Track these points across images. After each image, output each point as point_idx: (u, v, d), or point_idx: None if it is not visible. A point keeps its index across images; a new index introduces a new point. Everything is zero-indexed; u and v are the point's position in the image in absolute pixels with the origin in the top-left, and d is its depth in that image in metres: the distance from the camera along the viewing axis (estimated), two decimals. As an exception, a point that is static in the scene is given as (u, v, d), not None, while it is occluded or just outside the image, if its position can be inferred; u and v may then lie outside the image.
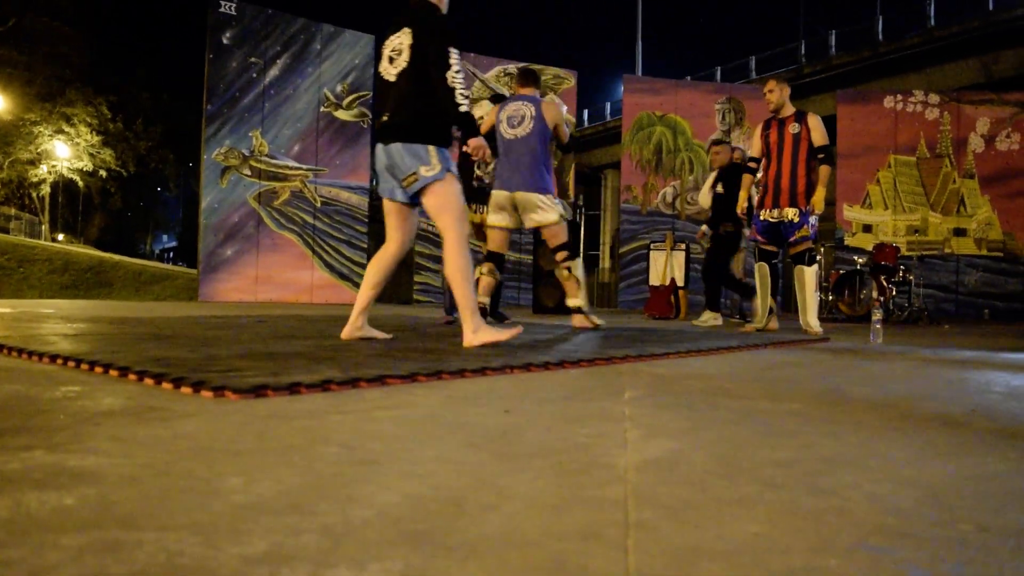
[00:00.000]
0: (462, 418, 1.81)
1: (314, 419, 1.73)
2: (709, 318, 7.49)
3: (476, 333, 3.71)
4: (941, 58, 21.65)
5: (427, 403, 2.02)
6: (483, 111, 6.10)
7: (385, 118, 3.94)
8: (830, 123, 15.29)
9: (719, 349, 4.11)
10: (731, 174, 7.57)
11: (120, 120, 38.16)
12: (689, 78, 27.59)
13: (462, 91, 3.73)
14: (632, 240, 14.09)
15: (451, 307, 6.37)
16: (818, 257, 6.29)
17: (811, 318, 6.15)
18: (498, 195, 5.66)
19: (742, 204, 6.55)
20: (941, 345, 5.40)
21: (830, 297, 10.26)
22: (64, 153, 37.15)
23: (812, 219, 6.15)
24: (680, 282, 9.98)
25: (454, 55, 3.75)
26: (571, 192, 14.88)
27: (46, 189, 40.15)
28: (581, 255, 7.58)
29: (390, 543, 0.91)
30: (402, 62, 3.89)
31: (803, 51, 27.34)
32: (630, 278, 14.06)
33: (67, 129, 36.06)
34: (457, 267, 3.78)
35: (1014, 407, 2.29)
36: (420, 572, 0.82)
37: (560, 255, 5.59)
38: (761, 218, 6.33)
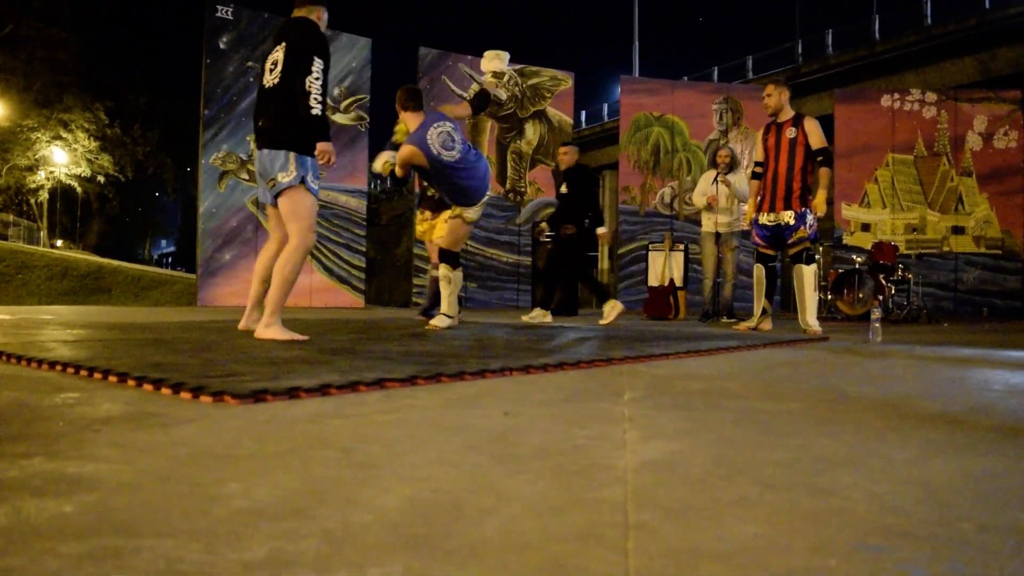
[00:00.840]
0: (461, 421, 1.81)
1: (313, 423, 1.73)
2: (539, 314, 7.49)
3: (267, 328, 4.11)
4: (938, 56, 21.66)
5: (426, 406, 2.02)
6: (465, 112, 5.93)
7: (260, 124, 4.25)
8: (827, 122, 15.27)
9: (718, 349, 4.11)
10: (576, 176, 7.66)
11: (118, 125, 38.19)
12: (686, 78, 27.62)
13: (316, 96, 4.00)
14: (630, 241, 14.09)
15: (429, 307, 6.66)
16: (817, 257, 6.30)
17: (810, 318, 6.15)
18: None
19: (750, 214, 6.57)
20: (940, 343, 5.40)
21: (829, 296, 10.26)
22: (62, 159, 37.16)
23: (810, 219, 6.17)
24: (679, 282, 9.98)
25: (317, 63, 4.04)
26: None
27: (44, 195, 40.16)
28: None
29: (390, 547, 0.91)
30: (277, 73, 4.15)
31: (800, 50, 27.35)
32: (629, 279, 14.05)
33: (65, 135, 36.07)
34: (285, 270, 4.10)
35: (1013, 405, 2.29)
36: (420, 575, 0.82)
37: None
38: (759, 222, 6.37)
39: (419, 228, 7.34)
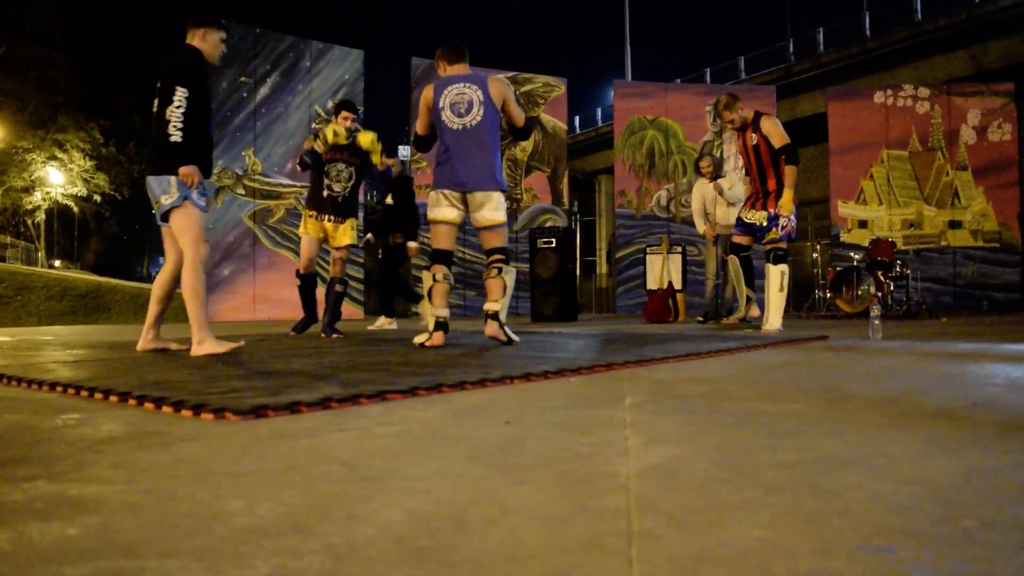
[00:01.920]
0: (463, 431, 1.81)
1: (315, 438, 1.73)
2: (384, 323, 7.75)
3: (200, 344, 4.24)
4: (930, 51, 21.71)
5: (428, 417, 2.02)
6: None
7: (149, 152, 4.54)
8: (821, 121, 15.32)
9: (718, 351, 4.11)
10: (400, 186, 7.87)
11: (112, 144, 38.23)
12: (679, 81, 27.66)
13: (176, 124, 4.20)
14: (628, 245, 14.11)
15: (331, 321, 6.47)
16: (787, 257, 6.41)
17: (773, 317, 6.21)
18: (447, 194, 4.78)
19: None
20: (940, 338, 5.40)
21: (828, 294, 10.26)
22: (58, 179, 37.18)
23: (782, 220, 6.29)
24: (677, 285, 9.99)
25: (180, 92, 4.21)
26: (565, 198, 14.89)
27: (41, 216, 40.17)
28: (578, 261, 7.62)
29: (393, 561, 0.91)
30: (155, 103, 4.36)
31: (792, 49, 27.39)
32: (627, 282, 14.07)
33: (60, 155, 36.10)
34: (190, 286, 4.30)
35: (1015, 399, 2.29)
36: (424, 590, 0.82)
37: (496, 257, 4.86)
38: (741, 215, 6.59)
39: (310, 229, 6.46)
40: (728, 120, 6.51)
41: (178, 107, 4.20)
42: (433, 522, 1.07)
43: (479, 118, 4.74)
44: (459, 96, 4.78)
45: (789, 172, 6.21)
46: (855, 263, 10.19)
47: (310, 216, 6.39)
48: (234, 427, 1.88)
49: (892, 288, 10.14)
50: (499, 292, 4.76)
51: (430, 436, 1.75)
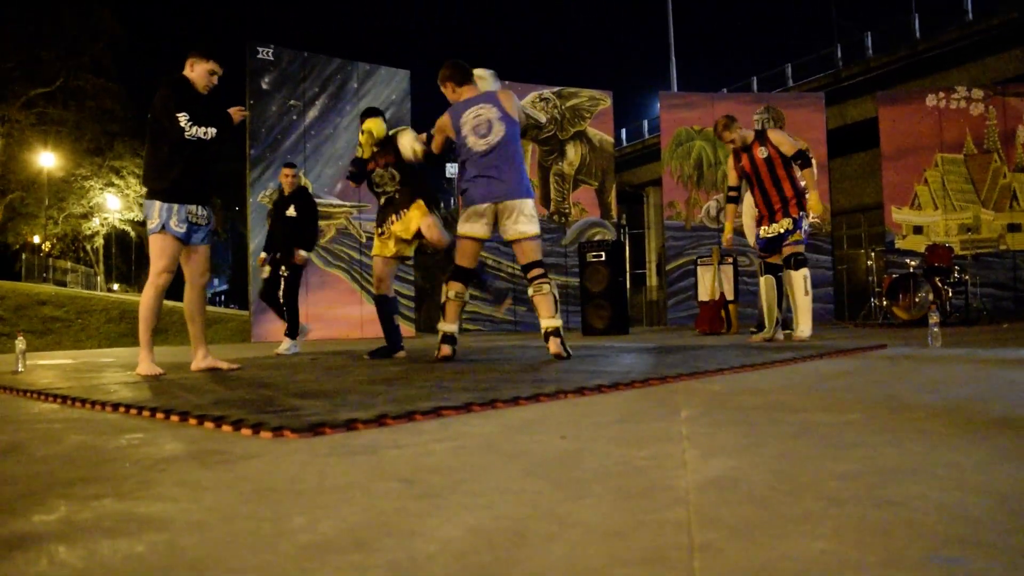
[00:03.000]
0: (519, 446, 1.81)
1: (373, 454, 1.74)
2: (287, 345, 7.48)
3: (140, 364, 4.45)
4: (982, 51, 21.27)
5: (483, 433, 2.02)
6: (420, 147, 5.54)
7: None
8: (871, 126, 15.09)
9: (773, 363, 4.06)
10: (302, 198, 7.59)
11: (167, 169, 38.96)
12: (725, 90, 27.50)
13: (203, 133, 4.41)
14: (678, 256, 14.02)
15: (392, 346, 5.90)
16: (807, 260, 6.45)
17: (803, 323, 6.23)
18: (480, 209, 4.80)
19: (727, 236, 6.94)
20: (1002, 345, 5.27)
21: (884, 302, 10.09)
22: (115, 205, 38.07)
23: (805, 225, 6.42)
24: (729, 296, 9.90)
25: (183, 118, 4.37)
26: (613, 211, 14.85)
27: (99, 241, 41.14)
28: (628, 274, 7.47)
29: (456, 577, 0.91)
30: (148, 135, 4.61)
31: (839, 54, 27.03)
32: (678, 295, 13.97)
33: (116, 181, 36.98)
34: (142, 308, 4.54)
35: (1083, 405, 2.22)
36: (487, 605, 0.83)
37: (535, 271, 4.78)
38: (761, 236, 6.59)
39: (385, 247, 5.94)
40: (728, 140, 6.56)
41: (190, 126, 4.37)
42: (493, 537, 1.07)
43: (501, 134, 4.82)
44: (478, 119, 4.86)
45: (809, 174, 6.30)
46: (911, 270, 10.01)
47: (378, 234, 6.01)
48: (293, 445, 1.90)
49: (950, 294, 9.94)
50: (551, 307, 4.71)
51: (486, 451, 1.75)
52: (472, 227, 4.83)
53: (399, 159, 5.80)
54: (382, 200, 5.92)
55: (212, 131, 4.44)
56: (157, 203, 4.46)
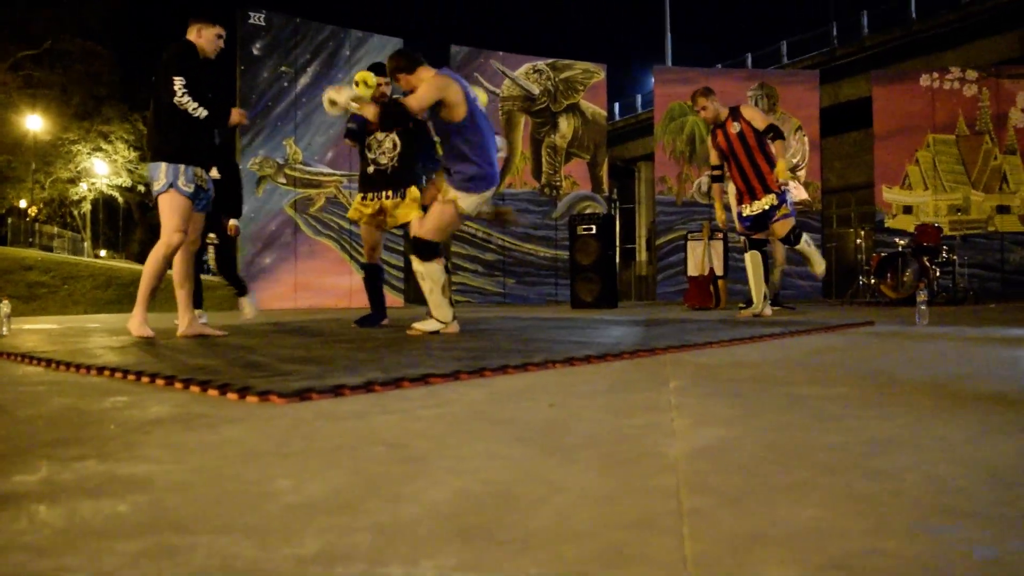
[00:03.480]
0: (507, 414, 1.80)
1: (360, 420, 1.73)
2: (248, 307, 7.00)
3: (131, 319, 4.55)
4: (976, 33, 21.22)
5: (471, 400, 2.01)
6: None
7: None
8: (864, 105, 15.06)
9: (763, 336, 4.06)
10: (225, 156, 7.20)
11: (156, 135, 38.63)
12: (720, 66, 27.36)
13: (192, 107, 4.37)
14: (668, 231, 14.00)
15: (375, 314, 5.77)
16: (804, 235, 6.55)
17: (815, 258, 6.53)
18: (485, 194, 4.63)
19: (720, 215, 6.94)
20: (989, 324, 5.29)
21: (872, 281, 10.12)
22: (103, 170, 37.74)
23: (788, 197, 6.46)
24: (719, 271, 9.90)
25: (178, 81, 4.35)
26: (605, 185, 14.82)
27: (87, 206, 40.84)
28: (618, 248, 7.40)
29: (442, 539, 0.90)
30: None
31: (835, 33, 26.93)
32: (668, 270, 13.97)
33: (104, 146, 36.62)
34: (148, 266, 4.48)
35: (1070, 383, 2.23)
36: (473, 567, 0.82)
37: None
38: (744, 214, 6.59)
39: (365, 210, 5.60)
40: (700, 108, 6.56)
41: (182, 95, 4.35)
42: (481, 501, 1.06)
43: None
44: (478, 99, 4.68)
45: (779, 145, 6.30)
46: (900, 249, 10.02)
47: (362, 199, 5.61)
48: (279, 410, 1.89)
49: (938, 274, 9.96)
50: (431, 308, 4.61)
51: (474, 418, 1.74)
52: (478, 209, 4.65)
53: (406, 130, 5.43)
54: (371, 169, 5.51)
55: (203, 112, 4.41)
56: (163, 164, 4.44)
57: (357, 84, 5.13)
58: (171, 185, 4.43)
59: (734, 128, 6.43)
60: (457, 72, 5.24)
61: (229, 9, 12.36)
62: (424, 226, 4.61)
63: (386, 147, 5.46)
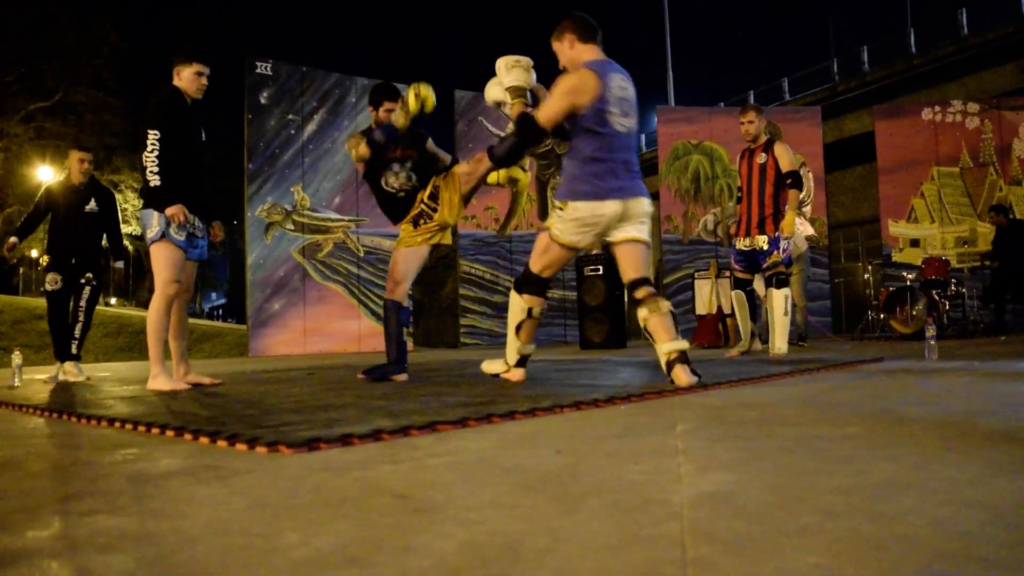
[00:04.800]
0: (514, 461, 1.80)
1: (367, 470, 1.74)
2: (70, 371, 6.27)
3: (153, 380, 4.31)
4: (977, 65, 21.35)
5: (479, 447, 2.02)
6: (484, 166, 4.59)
7: None
8: (867, 140, 15.10)
9: (771, 376, 4.06)
10: (101, 190, 6.59)
11: (165, 183, 38.98)
12: (723, 104, 27.54)
13: (151, 169, 4.26)
14: (676, 270, 14.02)
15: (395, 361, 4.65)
16: (789, 276, 6.42)
17: (779, 341, 6.19)
18: (602, 206, 3.76)
19: (726, 236, 6.70)
20: (999, 359, 5.27)
21: (881, 315, 10.09)
22: (113, 219, 38.04)
23: (783, 243, 6.31)
24: (727, 309, 9.89)
25: (151, 136, 4.25)
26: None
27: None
28: (625, 289, 7.25)
29: (448, 592, 0.91)
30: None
31: (836, 68, 27.13)
32: (676, 308, 13.93)
33: (115, 196, 36.98)
34: (151, 320, 4.36)
35: (1079, 419, 2.22)
36: (479, 621, 0.82)
37: (646, 290, 3.82)
38: (736, 247, 6.54)
39: (433, 219, 4.72)
40: (749, 120, 6.46)
41: (151, 151, 4.26)
42: (487, 553, 1.07)
43: (635, 120, 3.93)
44: (623, 91, 3.84)
45: (793, 195, 6.23)
46: (908, 283, 10.01)
47: (411, 219, 4.84)
48: (288, 460, 1.90)
49: (947, 307, 9.94)
50: (672, 328, 3.75)
51: (482, 466, 1.75)
52: (578, 236, 3.86)
53: (422, 157, 4.88)
54: (401, 195, 4.83)
55: (156, 180, 4.26)
56: (154, 212, 4.35)
57: (418, 98, 4.57)
58: (163, 234, 4.33)
59: (760, 159, 6.38)
60: (462, 116, 4.92)
61: (238, 59, 12.55)
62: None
63: (401, 178, 4.84)
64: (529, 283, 4.00)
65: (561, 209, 3.87)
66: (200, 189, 4.64)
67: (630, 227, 3.84)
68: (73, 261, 6.24)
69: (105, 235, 6.54)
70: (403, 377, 4.60)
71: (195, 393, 4.07)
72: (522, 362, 4.08)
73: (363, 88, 13.05)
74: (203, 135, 4.75)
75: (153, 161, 4.26)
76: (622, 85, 3.83)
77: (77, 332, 6.31)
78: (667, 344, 3.65)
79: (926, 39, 24.02)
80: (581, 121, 3.76)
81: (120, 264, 6.51)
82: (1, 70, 29.66)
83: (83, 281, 6.26)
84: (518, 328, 4.01)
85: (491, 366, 4.20)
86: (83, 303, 6.29)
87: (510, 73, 4.03)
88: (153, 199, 4.34)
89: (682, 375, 3.57)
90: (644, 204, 3.86)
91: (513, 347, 4.06)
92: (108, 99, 34.02)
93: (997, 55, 20.87)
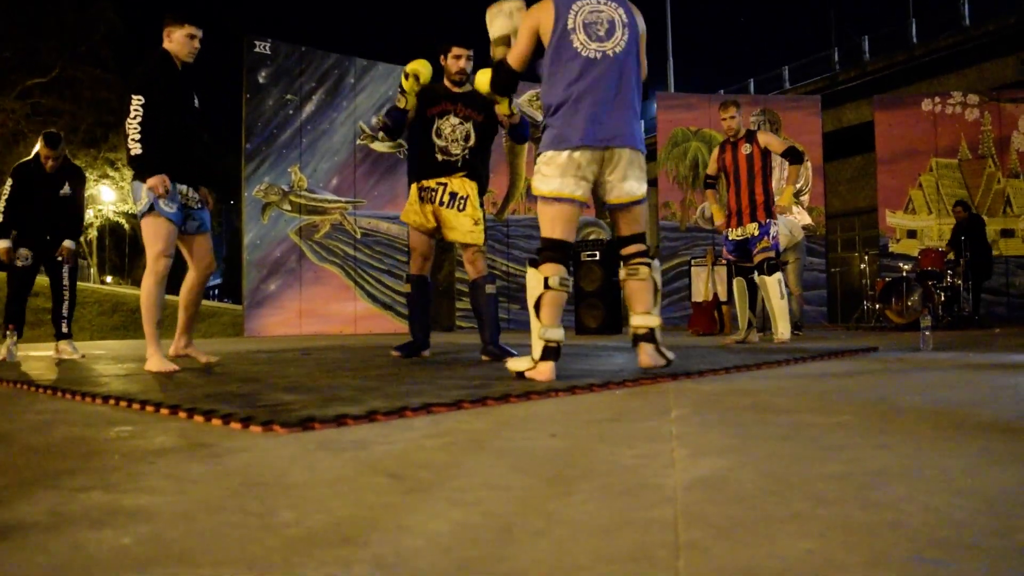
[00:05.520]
0: (508, 443, 1.81)
1: (362, 450, 1.74)
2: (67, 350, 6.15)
3: (149, 360, 4.08)
4: (978, 57, 21.30)
5: (473, 429, 2.02)
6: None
7: None
8: (867, 130, 15.08)
9: (766, 364, 4.06)
10: (76, 175, 6.52)
11: (162, 162, 38.87)
12: (722, 91, 27.50)
13: (133, 137, 4.01)
14: (672, 257, 14.02)
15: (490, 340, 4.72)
16: (780, 266, 6.47)
17: (781, 326, 6.27)
18: (579, 156, 3.34)
19: (719, 219, 6.79)
20: (993, 350, 5.29)
21: (877, 305, 10.11)
22: (110, 197, 37.94)
23: (774, 230, 6.42)
24: (723, 297, 9.91)
25: (135, 101, 4.02)
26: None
27: (93, 233, 41.00)
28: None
29: (442, 571, 0.91)
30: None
31: (837, 58, 27.09)
32: (672, 295, 13.97)
33: (112, 173, 36.84)
34: (143, 298, 4.22)
35: (1072, 411, 2.23)
36: (472, 600, 0.83)
37: (635, 247, 3.55)
38: (729, 238, 6.62)
39: (419, 218, 4.75)
40: (730, 115, 6.50)
41: (133, 117, 4.03)
42: (480, 533, 1.07)
43: (623, 45, 3.43)
44: (595, 14, 3.43)
45: (794, 170, 6.40)
46: (904, 273, 10.02)
47: (418, 197, 4.75)
48: (282, 439, 1.90)
49: (943, 299, 9.96)
50: (649, 299, 3.48)
51: (476, 448, 1.75)
52: (569, 185, 3.36)
53: (488, 119, 4.72)
54: (440, 157, 4.68)
55: (137, 149, 4.02)
56: (144, 185, 4.12)
57: (407, 77, 4.58)
58: (152, 206, 4.10)
59: (745, 149, 6.45)
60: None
61: (236, 38, 12.47)
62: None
63: (459, 135, 4.67)
64: (542, 251, 3.42)
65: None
66: (191, 159, 4.39)
67: (620, 180, 3.44)
68: (48, 238, 6.21)
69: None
70: (427, 353, 4.99)
71: (190, 373, 4.07)
72: (551, 354, 3.25)
73: (362, 69, 13.00)
74: (196, 102, 4.45)
75: (135, 128, 4.03)
76: (596, 9, 3.44)
77: (64, 311, 6.28)
78: (637, 317, 3.47)
79: (928, 30, 23.97)
80: (548, 53, 3.44)
81: (71, 244, 6.27)
82: (-2, 45, 29.50)
83: (60, 259, 6.20)
84: (537, 306, 3.34)
85: (516, 363, 3.38)
86: (65, 282, 6.26)
87: (492, 25, 3.77)
88: (136, 169, 4.14)
89: (644, 355, 3.42)
90: (628, 154, 3.43)
91: (535, 332, 3.31)
92: (105, 76, 33.83)
93: (998, 47, 20.82)
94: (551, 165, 3.37)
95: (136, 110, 4.04)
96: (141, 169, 4.10)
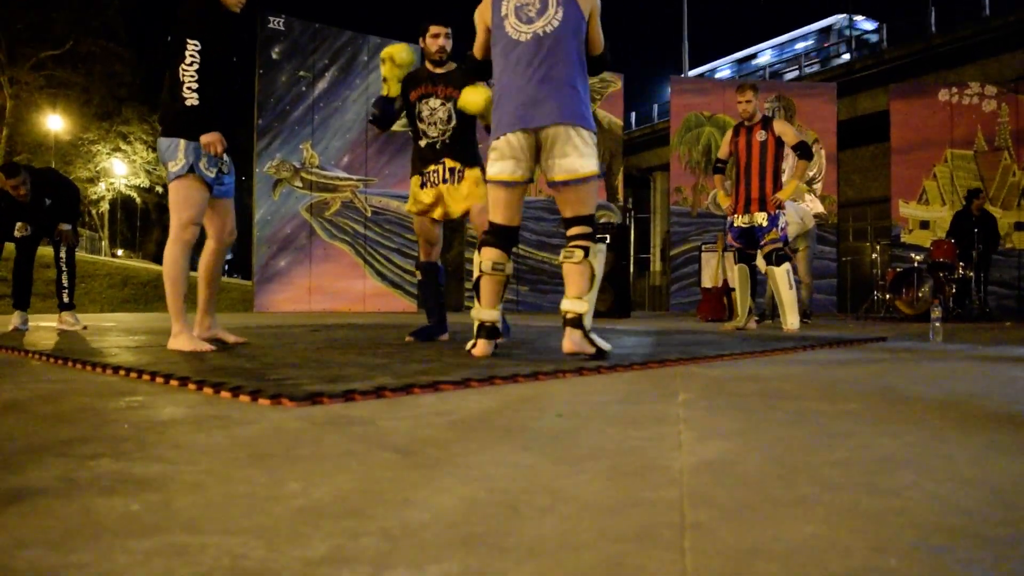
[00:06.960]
0: (516, 422, 1.81)
1: (369, 425, 1.75)
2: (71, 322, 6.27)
3: (175, 338, 3.75)
4: (997, 48, 21.09)
5: (480, 407, 2.03)
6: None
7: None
8: (882, 119, 15.00)
9: (774, 351, 4.06)
10: (54, 187, 6.36)
11: (175, 136, 38.91)
12: (737, 77, 27.33)
13: (189, 85, 3.63)
14: (683, 242, 13.99)
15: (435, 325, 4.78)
16: (789, 256, 6.43)
17: (791, 317, 6.27)
18: (509, 139, 3.39)
19: (725, 202, 6.74)
20: (1003, 343, 5.27)
21: (887, 296, 10.07)
22: (122, 170, 38.05)
23: (782, 221, 6.39)
24: (732, 284, 9.89)
25: (191, 46, 3.64)
26: (620, 195, 14.82)
27: (105, 206, 41.15)
28: (631, 258, 7.22)
29: (447, 545, 0.92)
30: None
31: (853, 45, 26.89)
32: (682, 280, 13.96)
33: (124, 147, 36.92)
34: (168, 270, 3.80)
35: (1081, 404, 2.22)
36: (477, 574, 0.83)
37: (577, 229, 3.44)
38: (735, 224, 6.56)
39: (425, 199, 4.58)
40: (747, 99, 6.45)
41: (191, 64, 3.63)
42: (486, 509, 1.08)
43: (556, 23, 3.37)
44: None
45: (801, 165, 6.29)
46: (916, 264, 9.98)
47: (418, 185, 4.63)
48: (291, 412, 1.91)
49: (954, 291, 9.92)
50: (581, 284, 3.37)
51: (483, 426, 1.76)
52: (501, 167, 3.43)
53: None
54: (423, 143, 4.59)
55: (194, 99, 3.64)
56: (182, 141, 3.73)
57: (383, 62, 4.54)
58: (191, 168, 3.73)
59: (760, 136, 6.39)
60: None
61: (250, 13, 12.45)
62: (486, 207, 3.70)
63: (439, 116, 4.56)
64: (485, 234, 3.57)
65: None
66: (232, 115, 4.03)
67: (559, 157, 3.35)
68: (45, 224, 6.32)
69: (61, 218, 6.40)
70: (445, 336, 4.79)
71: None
72: (483, 332, 3.46)
73: (376, 47, 12.97)
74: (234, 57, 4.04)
75: (192, 76, 3.62)
76: None
77: (65, 281, 6.34)
78: (566, 301, 3.36)
79: (947, 19, 23.73)
80: (492, 43, 3.54)
81: (66, 226, 6.31)
82: (11, 17, 29.48)
83: (58, 238, 6.30)
84: (476, 287, 3.55)
85: (469, 344, 3.59)
86: (63, 255, 6.33)
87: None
88: (184, 124, 3.72)
89: (567, 341, 3.33)
90: (563, 131, 3.33)
91: (473, 312, 3.57)
92: (118, 49, 33.84)
93: (1018, 38, 20.59)
94: (493, 152, 3.46)
95: (192, 55, 3.64)
96: (197, 125, 3.72)
